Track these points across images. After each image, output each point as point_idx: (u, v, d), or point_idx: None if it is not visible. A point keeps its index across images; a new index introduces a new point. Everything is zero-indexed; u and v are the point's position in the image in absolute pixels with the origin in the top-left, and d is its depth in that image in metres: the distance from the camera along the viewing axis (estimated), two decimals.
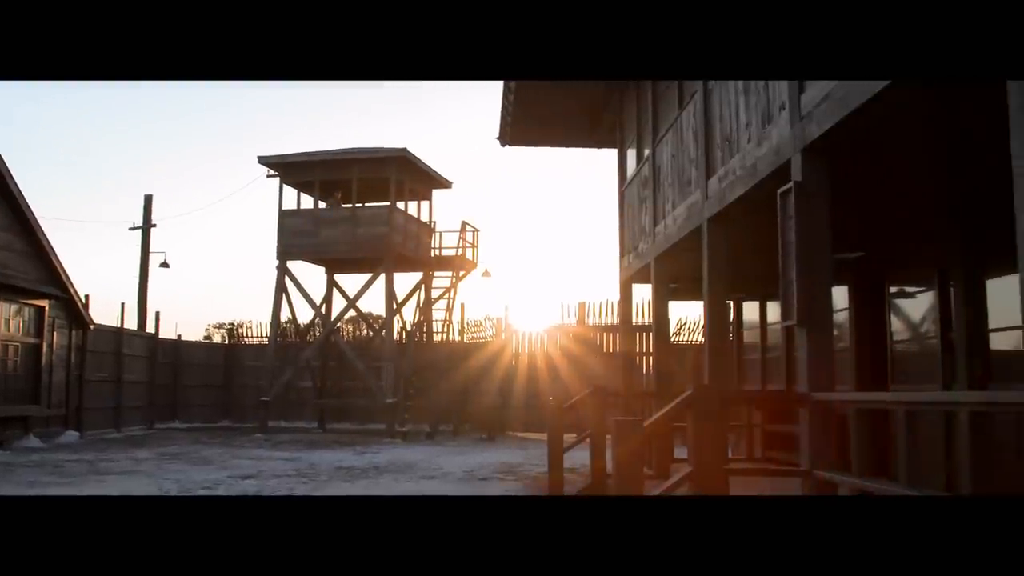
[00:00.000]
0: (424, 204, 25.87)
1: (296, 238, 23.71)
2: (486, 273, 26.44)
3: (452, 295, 26.01)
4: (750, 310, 14.03)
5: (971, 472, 3.73)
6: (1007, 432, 3.36)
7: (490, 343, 25.33)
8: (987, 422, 5.74)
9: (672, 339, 21.86)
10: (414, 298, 26.20)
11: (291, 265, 24.05)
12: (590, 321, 24.46)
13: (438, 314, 26.06)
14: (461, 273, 26.02)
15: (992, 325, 7.95)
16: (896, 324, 9.95)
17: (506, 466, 14.93)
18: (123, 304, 23.24)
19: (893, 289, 9.97)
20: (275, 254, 23.81)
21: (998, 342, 7.75)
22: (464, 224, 26.08)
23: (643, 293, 11.79)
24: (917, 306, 9.57)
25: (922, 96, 4.65)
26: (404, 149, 23.15)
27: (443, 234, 26.49)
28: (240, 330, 28.91)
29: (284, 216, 23.85)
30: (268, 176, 24.12)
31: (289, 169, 23.90)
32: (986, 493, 3.75)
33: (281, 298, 23.92)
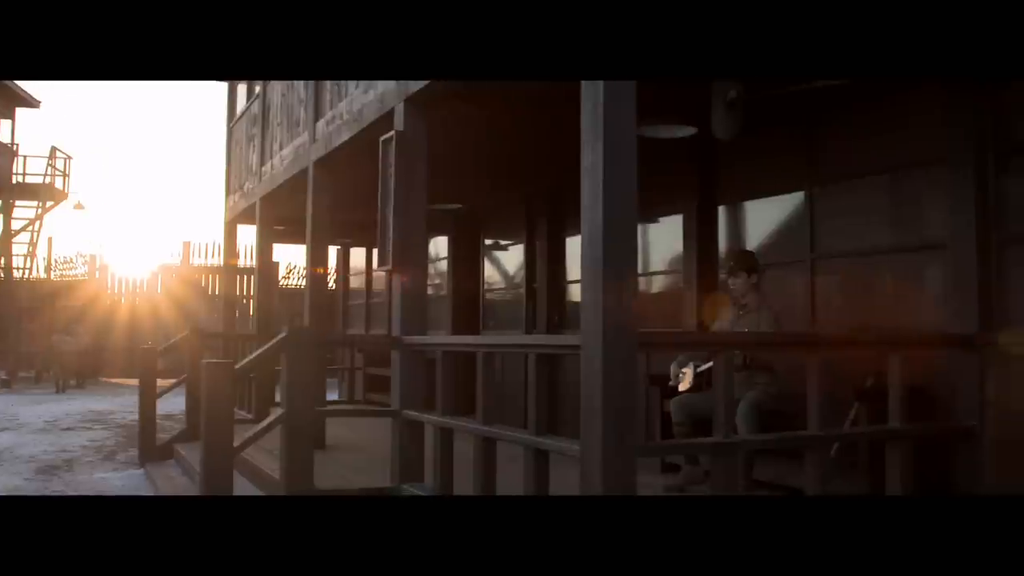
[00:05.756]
0: (5, 123, 23.00)
1: None
2: (79, 205, 24.17)
3: (37, 228, 23.51)
4: (357, 256, 14.26)
5: (536, 409, 4.10)
6: (572, 371, 3.75)
7: (83, 282, 23.34)
8: (556, 363, 6.37)
9: (282, 283, 21.62)
10: None
11: None
12: (195, 262, 23.41)
13: (19, 248, 23.42)
14: (49, 204, 23.56)
15: (570, 278, 8.82)
16: (490, 274, 10.66)
17: (95, 414, 13.96)
18: None
19: (488, 241, 10.67)
20: None
21: (575, 293, 8.62)
22: (54, 150, 23.60)
23: (250, 234, 11.49)
24: (508, 258, 10.33)
25: None
26: None
27: (28, 159, 23.78)
28: None
29: None
30: None
31: None
32: (554, 423, 4.16)
33: None
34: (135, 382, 9.84)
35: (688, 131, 6.23)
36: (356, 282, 14.42)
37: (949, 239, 4.77)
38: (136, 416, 9.39)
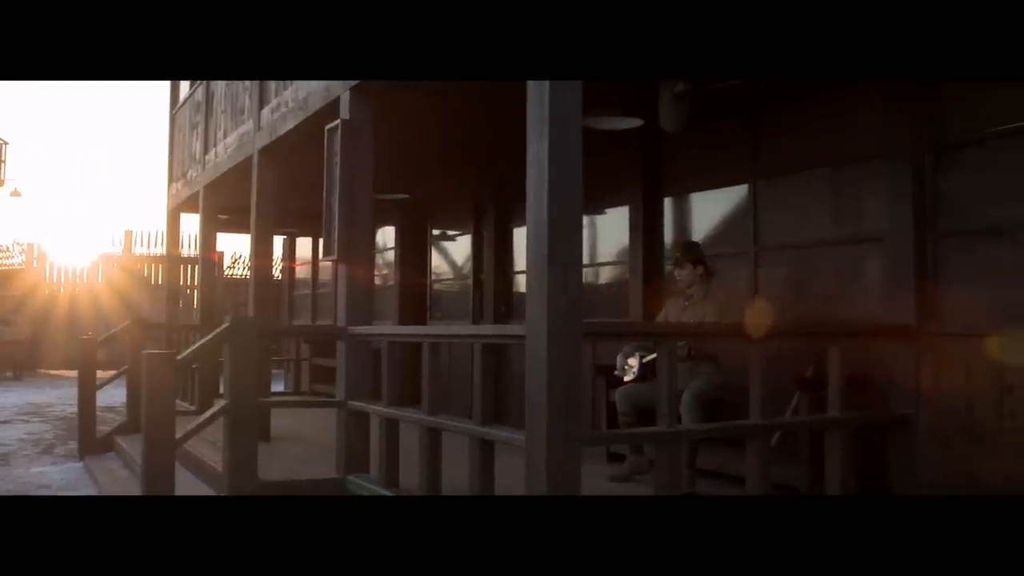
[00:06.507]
0: None
1: None
2: (16, 192, 23.58)
3: None
4: (303, 246, 14.13)
5: (482, 399, 4.11)
6: (518, 362, 3.75)
7: (21, 271, 22.75)
8: (502, 353, 6.38)
9: (227, 273, 21.33)
10: None
11: None
12: (137, 251, 22.95)
13: None
14: None
15: (517, 268, 8.83)
16: (437, 264, 10.63)
17: (33, 407, 13.66)
18: None
19: (436, 231, 10.63)
20: None
21: (523, 284, 8.62)
22: None
23: (194, 223, 11.29)
24: (456, 248, 10.30)
25: None
26: None
27: None
28: None
29: None
30: None
31: None
32: (500, 414, 4.16)
33: None
34: (74, 374, 9.63)
35: (635, 123, 6.26)
36: (302, 272, 14.29)
37: (887, 233, 4.87)
38: (75, 408, 9.20)
